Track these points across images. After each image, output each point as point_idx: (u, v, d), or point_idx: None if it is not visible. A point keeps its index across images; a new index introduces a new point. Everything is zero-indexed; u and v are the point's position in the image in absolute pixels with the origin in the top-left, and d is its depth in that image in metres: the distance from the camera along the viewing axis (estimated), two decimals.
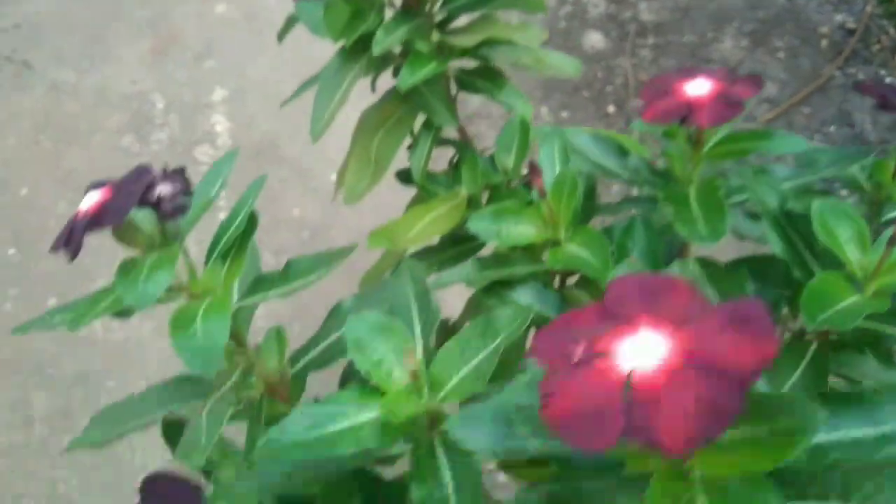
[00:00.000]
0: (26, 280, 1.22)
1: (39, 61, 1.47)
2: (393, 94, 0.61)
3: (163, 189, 0.42)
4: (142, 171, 0.41)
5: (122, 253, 1.28)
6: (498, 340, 0.39)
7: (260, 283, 0.48)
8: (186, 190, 0.42)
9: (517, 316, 0.39)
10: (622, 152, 0.53)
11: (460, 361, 0.40)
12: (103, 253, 1.29)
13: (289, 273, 0.47)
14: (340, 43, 0.57)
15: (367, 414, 0.39)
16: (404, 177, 0.62)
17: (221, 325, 0.40)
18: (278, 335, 0.52)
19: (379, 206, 1.34)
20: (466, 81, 0.61)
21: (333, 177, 1.42)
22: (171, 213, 0.41)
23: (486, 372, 0.39)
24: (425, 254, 0.58)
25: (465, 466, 0.38)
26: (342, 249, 0.48)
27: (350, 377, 0.56)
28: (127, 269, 0.41)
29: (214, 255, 0.45)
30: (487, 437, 0.31)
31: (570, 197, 0.48)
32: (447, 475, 0.38)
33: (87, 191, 0.43)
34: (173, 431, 0.51)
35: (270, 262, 1.26)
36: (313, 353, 0.51)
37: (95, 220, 0.39)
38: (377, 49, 0.53)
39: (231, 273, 0.44)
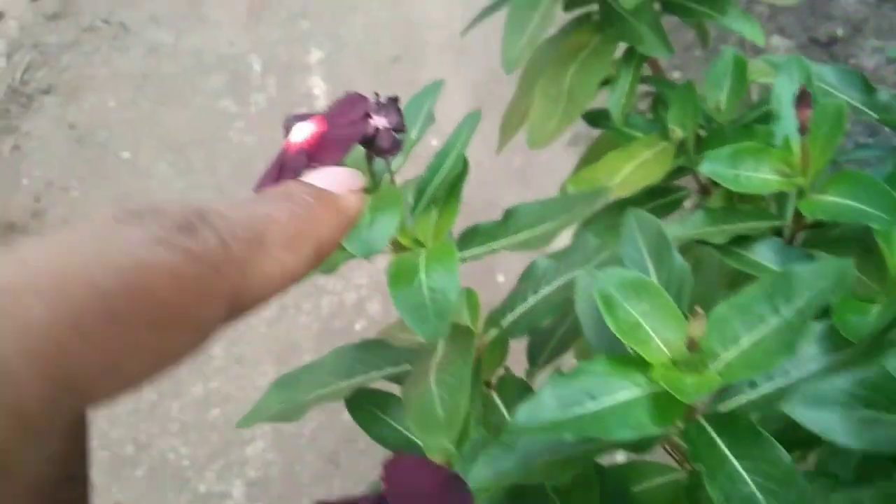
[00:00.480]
0: None
1: (136, 23, 1.44)
2: (583, 21, 0.54)
3: (378, 121, 0.36)
4: (355, 99, 0.35)
5: None
6: (798, 304, 0.33)
7: (475, 235, 0.42)
8: (401, 124, 0.37)
9: (826, 274, 0.32)
10: (868, 88, 0.46)
11: (740, 330, 0.34)
12: None
13: (510, 223, 0.41)
14: None
15: (630, 390, 0.33)
16: (593, 118, 0.55)
17: (450, 278, 0.35)
18: (469, 296, 0.46)
19: (484, 172, 1.29)
20: (676, 4, 0.52)
21: (434, 142, 1.37)
22: (388, 149, 0.36)
23: (778, 344, 0.33)
24: (616, 208, 0.51)
25: (769, 456, 0.31)
26: (586, 193, 0.42)
27: (537, 349, 0.50)
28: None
29: (423, 201, 0.39)
30: (840, 422, 0.25)
31: (831, 135, 0.41)
32: (737, 466, 0.32)
33: (289, 123, 0.37)
34: (359, 404, 0.46)
35: None
36: (510, 318, 0.45)
37: (314, 155, 0.33)
38: None
39: (444, 222, 0.39)
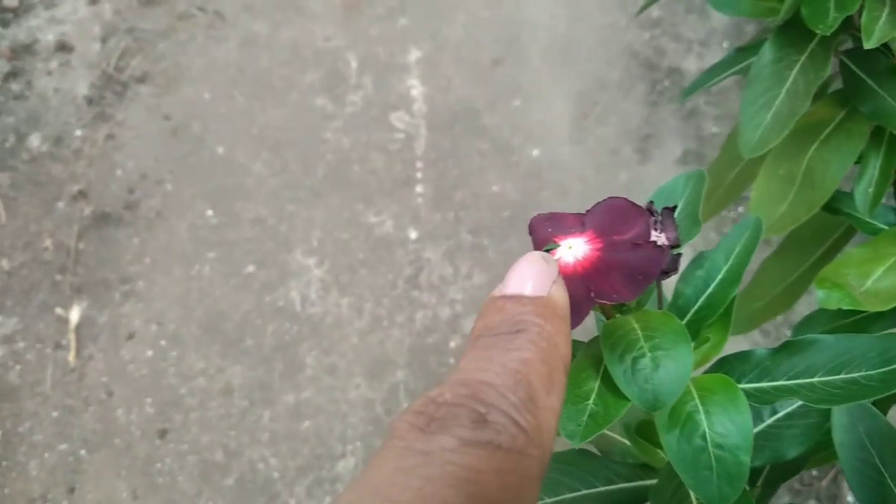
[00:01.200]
0: (225, 244, 1.18)
1: (231, 12, 1.41)
2: (821, 91, 0.48)
3: (658, 238, 0.31)
4: (631, 210, 0.31)
5: (318, 224, 1.22)
6: None
7: (745, 364, 0.36)
8: (678, 239, 0.32)
9: None
10: None
11: None
12: (298, 221, 1.24)
13: (802, 356, 0.35)
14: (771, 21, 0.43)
15: None
16: (832, 206, 0.48)
17: (740, 429, 0.30)
18: None
19: (588, 187, 1.24)
20: None
21: (535, 152, 1.32)
22: (666, 271, 0.31)
23: None
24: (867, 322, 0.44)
25: None
26: None
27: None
28: (618, 355, 0.31)
29: (686, 322, 0.34)
30: None
31: None
32: None
33: (540, 228, 0.32)
34: None
35: (468, 240, 1.17)
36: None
37: (598, 287, 0.29)
38: (871, 41, 0.39)
39: (713, 351, 0.34)
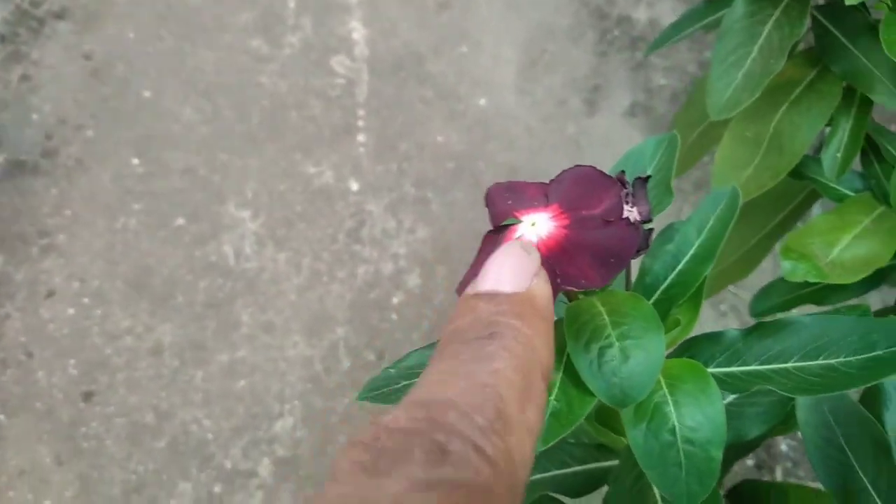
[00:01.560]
0: (152, 195, 1.11)
1: None
2: (798, 52, 0.44)
3: (630, 213, 0.28)
4: (601, 181, 0.27)
5: (252, 174, 1.15)
6: None
7: (714, 346, 0.33)
8: (650, 213, 0.29)
9: None
10: None
11: None
12: (232, 171, 1.18)
13: (780, 339, 0.32)
14: None
15: None
16: (797, 171, 0.45)
17: (711, 422, 0.28)
18: None
19: (534, 139, 1.20)
20: None
21: (482, 101, 1.27)
22: (640, 249, 0.28)
23: None
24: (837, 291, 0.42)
25: None
26: (888, 323, 0.33)
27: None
28: (583, 344, 0.28)
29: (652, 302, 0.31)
30: None
31: None
32: None
33: (498, 198, 0.29)
34: None
35: (411, 193, 1.13)
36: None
37: (564, 271, 0.25)
38: None
39: (683, 335, 0.32)
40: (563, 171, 0.29)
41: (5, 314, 1.03)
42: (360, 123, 1.19)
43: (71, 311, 1.04)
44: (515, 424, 0.17)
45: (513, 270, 0.20)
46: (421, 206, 1.13)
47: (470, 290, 0.21)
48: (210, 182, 1.13)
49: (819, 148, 0.43)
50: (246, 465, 0.97)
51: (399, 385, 0.32)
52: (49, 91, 1.18)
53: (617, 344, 0.27)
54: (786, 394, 0.28)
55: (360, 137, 1.18)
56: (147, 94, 1.18)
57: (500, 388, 0.17)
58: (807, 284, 0.41)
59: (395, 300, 1.06)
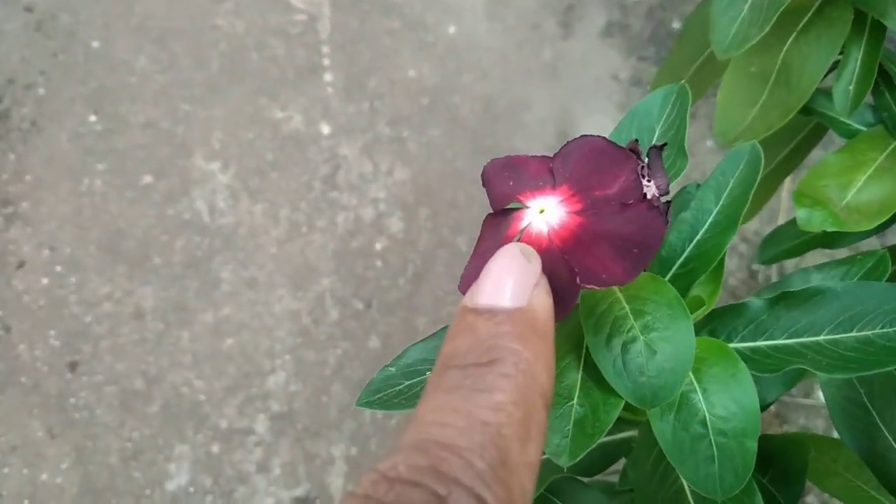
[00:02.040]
0: (115, 153, 1.06)
1: None
2: None
3: (648, 189, 0.25)
4: (614, 154, 0.25)
5: (218, 123, 1.10)
6: None
7: (736, 318, 0.31)
8: (667, 185, 0.26)
9: None
10: None
11: None
12: (195, 122, 1.12)
13: (808, 309, 0.29)
14: None
15: None
16: (805, 107, 0.42)
17: (744, 408, 0.26)
18: None
19: (509, 67, 1.16)
20: None
21: (451, 30, 1.22)
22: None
23: None
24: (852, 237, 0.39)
25: None
26: None
27: None
28: (604, 339, 0.26)
29: (670, 277, 0.29)
30: None
31: None
32: None
33: (497, 175, 0.26)
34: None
35: (385, 133, 1.09)
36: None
37: (583, 263, 0.23)
38: None
39: (703, 312, 0.30)
40: (569, 143, 0.26)
41: None
42: (326, 62, 1.14)
43: (45, 280, 1.01)
44: (516, 464, 0.17)
45: (514, 281, 0.19)
46: (397, 146, 1.09)
47: (468, 301, 0.19)
48: (174, 135, 1.08)
49: (833, 81, 0.40)
50: (242, 423, 0.96)
51: (401, 385, 0.30)
52: None
53: (641, 338, 0.25)
54: (821, 373, 0.27)
55: (327, 77, 1.13)
56: (96, 44, 1.11)
57: (501, 427, 0.17)
58: None
59: (378, 246, 1.04)
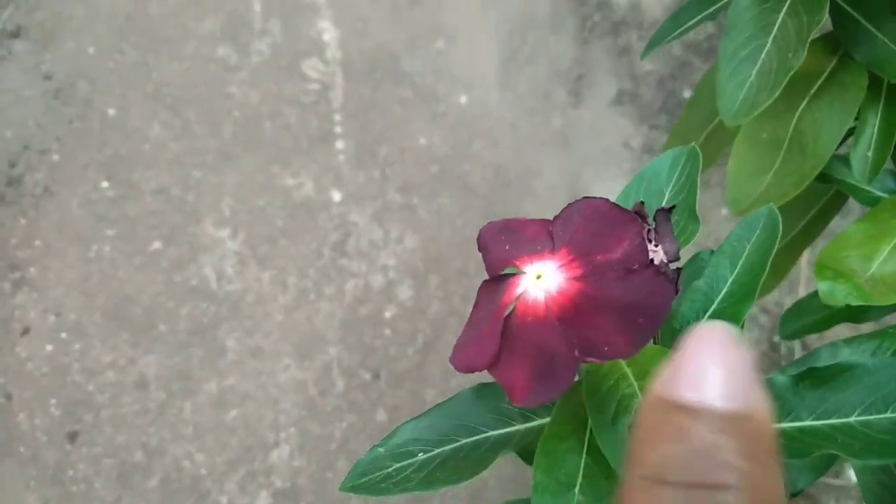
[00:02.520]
0: (125, 219, 1.06)
1: None
2: (816, 39, 0.39)
3: (655, 254, 0.23)
4: (619, 218, 0.23)
5: (229, 190, 1.10)
6: None
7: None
8: (677, 251, 0.24)
9: None
10: None
11: None
12: (207, 189, 1.13)
13: (834, 385, 0.27)
14: None
15: None
16: (823, 174, 0.41)
17: None
18: None
19: (520, 135, 1.16)
20: None
21: (462, 99, 1.23)
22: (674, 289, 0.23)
23: None
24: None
25: None
26: None
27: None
28: (610, 418, 0.23)
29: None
30: None
31: None
32: None
33: (493, 240, 0.25)
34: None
35: (396, 200, 1.09)
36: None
37: (582, 334, 0.21)
38: None
39: None
40: (570, 205, 0.25)
41: None
42: (338, 130, 1.14)
43: (49, 347, 0.99)
44: None
45: (726, 372, 0.15)
46: (407, 213, 1.08)
47: (662, 387, 0.15)
48: (185, 201, 1.08)
49: (850, 148, 0.39)
50: (243, 500, 0.92)
51: (390, 468, 0.27)
52: (10, 116, 1.12)
53: None
54: (855, 460, 0.24)
55: (339, 144, 1.13)
56: (112, 112, 1.13)
57: None
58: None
59: (387, 314, 1.02)
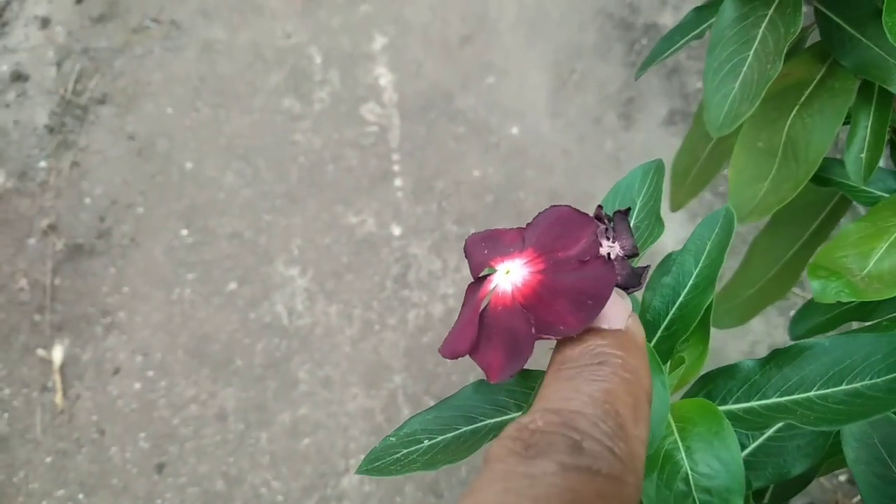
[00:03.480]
0: (203, 263, 1.14)
1: (187, 20, 1.35)
2: (795, 46, 0.41)
3: (609, 248, 0.26)
4: (575, 220, 0.26)
5: (297, 231, 1.16)
6: None
7: (727, 382, 0.31)
8: (635, 247, 0.27)
9: None
10: None
11: None
12: (277, 231, 1.20)
13: (796, 367, 0.29)
14: None
15: None
16: (821, 177, 0.42)
17: (729, 469, 0.26)
18: None
19: (572, 161, 1.18)
20: None
21: (515, 130, 1.26)
22: (624, 286, 0.26)
23: None
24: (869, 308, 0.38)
25: None
26: None
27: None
28: None
29: (655, 341, 0.29)
30: None
31: None
32: None
33: (476, 249, 0.28)
34: None
35: (453, 231, 1.12)
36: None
37: (542, 319, 0.24)
38: None
39: (691, 373, 0.29)
40: (540, 214, 0.28)
41: (76, 395, 1.06)
42: (396, 168, 1.19)
43: (137, 385, 1.07)
44: (632, 436, 0.20)
45: (613, 311, 0.23)
46: (464, 243, 1.12)
47: (577, 328, 0.23)
48: (257, 244, 1.15)
49: (843, 150, 0.40)
50: None
51: (399, 454, 0.31)
52: (99, 174, 1.23)
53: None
54: (808, 427, 0.26)
55: (398, 182, 1.18)
56: (189, 165, 1.22)
57: (616, 405, 0.20)
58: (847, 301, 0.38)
59: None
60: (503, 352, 0.24)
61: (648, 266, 0.28)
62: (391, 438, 0.32)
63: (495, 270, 0.26)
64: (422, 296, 1.09)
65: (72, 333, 1.11)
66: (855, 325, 0.41)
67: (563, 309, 0.23)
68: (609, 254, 0.26)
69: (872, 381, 0.26)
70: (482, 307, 0.25)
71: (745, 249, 0.50)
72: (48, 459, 1.03)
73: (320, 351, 1.07)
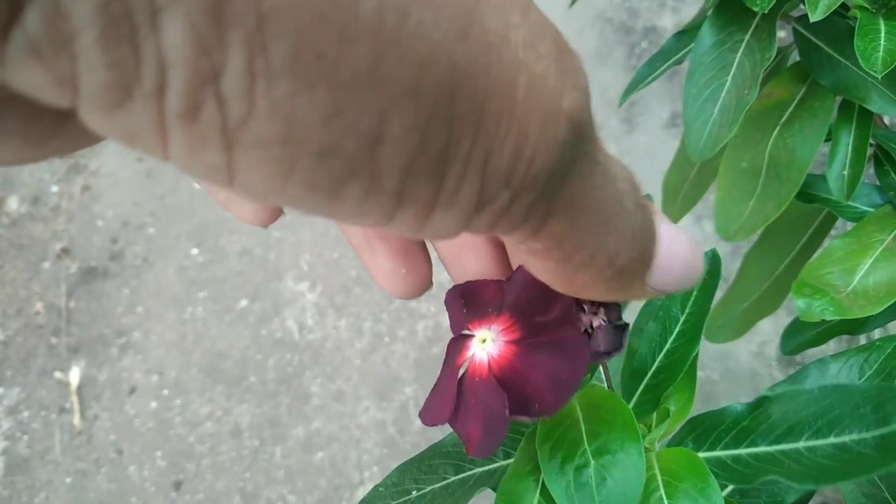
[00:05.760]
0: (214, 281, 1.15)
1: None
2: (776, 67, 0.42)
3: (590, 318, 0.26)
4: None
5: (305, 246, 1.17)
6: None
7: (714, 430, 0.31)
8: (619, 314, 0.27)
9: None
10: None
11: None
12: (286, 247, 1.21)
13: (782, 416, 0.30)
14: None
15: None
16: (806, 194, 0.42)
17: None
18: None
19: None
20: None
21: None
22: (607, 353, 0.26)
23: None
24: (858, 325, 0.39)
25: None
26: None
27: None
28: (559, 464, 0.26)
29: (641, 389, 0.30)
30: None
31: None
32: None
33: (456, 304, 0.28)
34: None
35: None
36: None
37: (516, 391, 0.24)
38: (817, 13, 0.33)
39: (677, 420, 0.30)
40: (518, 268, 0.28)
41: (94, 415, 1.08)
42: None
43: (153, 404, 1.08)
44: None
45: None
46: None
47: None
48: (266, 260, 1.16)
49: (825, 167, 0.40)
50: None
51: None
52: (109, 197, 1.25)
53: (594, 462, 0.26)
54: (795, 485, 0.26)
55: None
56: (198, 185, 1.23)
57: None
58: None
59: None
60: (481, 426, 0.23)
61: (627, 324, 0.28)
62: (380, 489, 0.32)
63: (473, 335, 0.25)
64: (430, 307, 1.09)
65: (88, 355, 1.13)
66: (846, 338, 0.42)
67: (540, 384, 0.23)
68: (592, 324, 0.26)
69: (860, 435, 0.26)
70: (461, 374, 0.25)
71: (737, 265, 0.50)
72: (68, 480, 1.05)
73: (331, 364, 1.08)
